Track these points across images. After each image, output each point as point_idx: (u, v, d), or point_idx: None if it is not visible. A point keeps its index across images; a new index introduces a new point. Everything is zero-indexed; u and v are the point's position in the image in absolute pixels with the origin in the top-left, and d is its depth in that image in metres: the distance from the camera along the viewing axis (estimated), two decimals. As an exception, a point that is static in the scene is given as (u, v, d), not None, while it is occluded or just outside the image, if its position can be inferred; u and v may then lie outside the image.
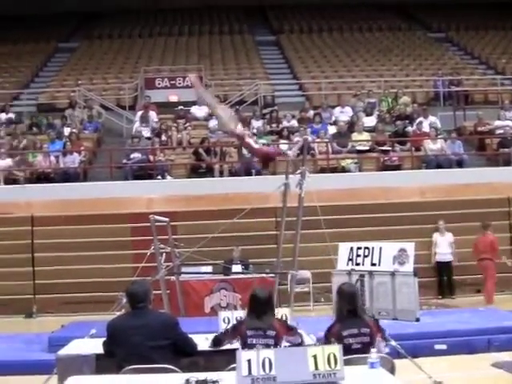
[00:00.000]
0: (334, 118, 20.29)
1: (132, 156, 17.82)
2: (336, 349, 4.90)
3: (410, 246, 12.19)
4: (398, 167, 17.77)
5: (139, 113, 20.44)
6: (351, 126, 19.28)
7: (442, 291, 15.65)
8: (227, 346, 6.31)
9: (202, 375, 5.21)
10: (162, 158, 17.95)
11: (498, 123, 19.59)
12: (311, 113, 20.45)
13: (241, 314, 7.14)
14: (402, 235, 14.49)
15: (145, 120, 20.04)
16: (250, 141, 10.17)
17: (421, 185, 16.55)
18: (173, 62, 25.85)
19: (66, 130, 19.27)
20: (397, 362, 6.27)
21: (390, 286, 12.02)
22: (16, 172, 17.36)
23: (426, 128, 19.11)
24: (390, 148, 18.43)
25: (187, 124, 19.99)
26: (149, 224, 11.54)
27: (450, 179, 16.62)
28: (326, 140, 18.64)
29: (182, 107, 20.90)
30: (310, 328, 8.42)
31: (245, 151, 17.61)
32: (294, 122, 19.88)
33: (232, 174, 17.67)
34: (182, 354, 5.92)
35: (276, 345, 6.02)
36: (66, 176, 17.32)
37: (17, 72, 25.32)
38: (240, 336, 6.16)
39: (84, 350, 6.86)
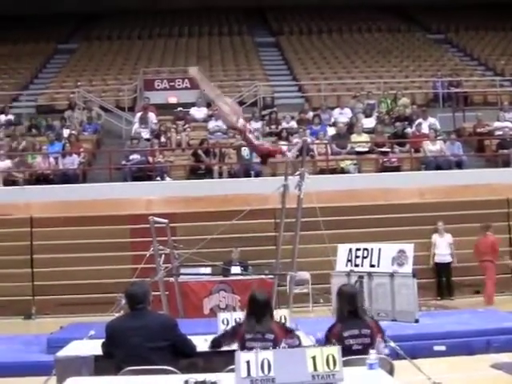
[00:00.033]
0: (333, 120, 20.30)
1: (131, 157, 17.82)
2: (335, 350, 4.89)
3: (409, 247, 12.21)
4: (397, 168, 17.77)
5: (138, 114, 20.45)
6: (350, 127, 19.29)
7: (441, 292, 15.65)
8: (226, 348, 6.31)
9: (200, 376, 5.20)
10: (161, 160, 17.95)
11: (497, 124, 19.62)
12: (310, 114, 20.46)
13: (240, 315, 7.12)
14: (401, 236, 14.52)
15: (144, 121, 20.04)
16: (251, 136, 10.17)
17: (420, 186, 16.55)
18: (172, 63, 25.85)
19: (66, 132, 19.27)
20: (396, 363, 6.27)
21: (389, 287, 12.04)
22: (15, 173, 17.36)
23: (425, 129, 19.12)
24: (389, 149, 18.43)
25: (186, 125, 19.98)
26: (148, 225, 11.55)
27: (450, 180, 16.64)
28: (326, 141, 18.65)
29: (181, 108, 20.91)
30: (309, 329, 8.43)
31: (244, 153, 17.68)
32: (294, 124, 19.88)
33: (231, 175, 17.67)
34: (180, 355, 5.92)
35: (275, 348, 6.01)
36: (66, 177, 17.31)
37: (16, 73, 25.33)
38: (238, 339, 6.15)
39: (83, 352, 6.85)
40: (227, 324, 7.20)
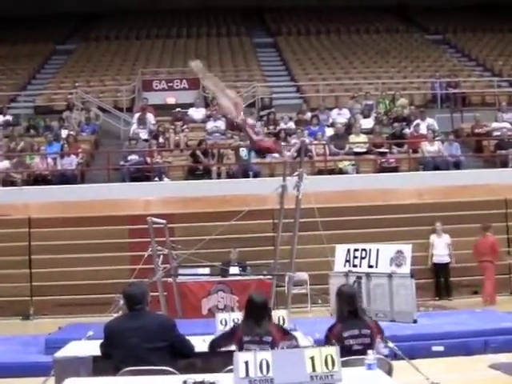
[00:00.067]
0: (331, 120, 20.30)
1: (129, 158, 17.82)
2: (333, 350, 4.90)
3: (407, 248, 12.21)
4: (395, 169, 17.77)
5: (137, 115, 20.44)
6: (348, 127, 19.29)
7: (439, 293, 15.67)
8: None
9: (199, 377, 5.20)
10: (160, 160, 17.94)
11: (495, 125, 19.63)
12: (308, 115, 20.47)
13: (238, 315, 7.12)
14: (399, 237, 14.54)
15: (142, 122, 20.04)
16: (250, 131, 10.17)
17: (418, 187, 16.56)
18: (170, 64, 25.83)
19: (64, 132, 19.26)
20: (394, 363, 6.27)
21: (387, 288, 12.04)
22: (13, 174, 17.34)
23: (423, 130, 19.14)
24: (387, 150, 18.45)
25: (184, 126, 19.99)
26: (146, 226, 11.54)
27: (448, 181, 16.65)
28: (324, 142, 18.66)
29: (179, 109, 20.93)
30: (308, 329, 8.45)
31: (242, 153, 17.69)
32: (292, 124, 19.89)
33: (229, 175, 17.67)
34: (179, 355, 5.92)
35: None
36: (64, 178, 17.30)
37: (14, 74, 25.32)
38: (236, 342, 6.13)
39: (81, 352, 6.85)
40: (225, 324, 7.20)
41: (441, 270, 15.66)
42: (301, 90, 23.88)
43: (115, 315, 7.63)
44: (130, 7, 30.98)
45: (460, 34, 29.92)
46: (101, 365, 6.21)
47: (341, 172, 17.63)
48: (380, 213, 15.64)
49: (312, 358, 4.82)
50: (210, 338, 6.70)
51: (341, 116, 20.44)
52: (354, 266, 12.48)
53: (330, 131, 19.42)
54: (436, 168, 17.58)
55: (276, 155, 16.47)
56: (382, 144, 18.70)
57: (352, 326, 6.25)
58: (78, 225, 15.40)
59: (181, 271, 13.22)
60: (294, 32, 30.02)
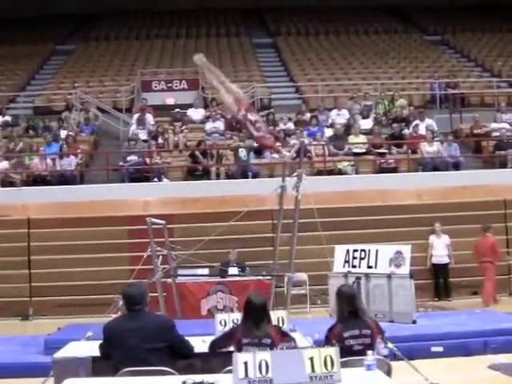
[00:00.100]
0: (330, 121, 20.30)
1: (128, 158, 17.81)
2: (332, 351, 4.90)
3: (406, 249, 12.21)
4: (394, 170, 17.77)
5: (136, 115, 20.44)
6: (348, 128, 19.29)
7: (439, 293, 15.66)
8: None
9: (198, 377, 5.21)
10: (159, 161, 17.93)
11: (494, 126, 19.63)
12: (308, 115, 20.47)
13: (237, 316, 7.11)
14: (399, 237, 14.54)
15: (141, 123, 20.04)
16: (251, 128, 10.16)
17: (417, 187, 16.56)
18: (170, 64, 25.83)
19: (63, 133, 19.25)
20: (393, 364, 6.27)
21: (386, 289, 12.05)
22: (12, 175, 17.32)
23: (422, 130, 19.15)
24: (386, 150, 18.45)
25: (184, 127, 19.99)
26: (145, 226, 11.54)
27: (447, 181, 16.65)
28: (323, 142, 18.66)
29: (178, 110, 20.94)
30: (307, 330, 8.45)
31: (241, 154, 17.69)
32: (291, 125, 19.89)
33: (228, 176, 17.67)
34: (178, 356, 5.92)
35: None
36: (63, 178, 17.30)
37: (13, 75, 25.31)
38: (235, 344, 6.12)
39: (80, 353, 6.86)
40: (225, 325, 7.19)
41: (440, 270, 15.65)
42: (300, 90, 23.89)
43: (114, 316, 7.63)
44: (130, 8, 31.00)
45: (459, 35, 29.92)
46: (100, 365, 6.21)
47: (340, 173, 17.63)
48: (379, 213, 15.64)
49: (311, 359, 4.82)
50: (210, 338, 6.70)
51: (340, 117, 20.45)
52: (354, 266, 12.48)
53: (329, 132, 19.43)
54: (435, 169, 17.58)
55: (276, 155, 16.49)
56: (381, 145, 18.71)
57: (352, 327, 6.25)
58: (78, 225, 15.39)
59: (180, 272, 13.23)
60: (294, 32, 30.02)
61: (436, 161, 17.84)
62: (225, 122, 19.85)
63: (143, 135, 19.52)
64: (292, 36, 29.71)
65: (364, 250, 12.49)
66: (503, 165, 17.91)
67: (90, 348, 6.78)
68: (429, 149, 18.09)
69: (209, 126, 19.94)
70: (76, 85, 23.06)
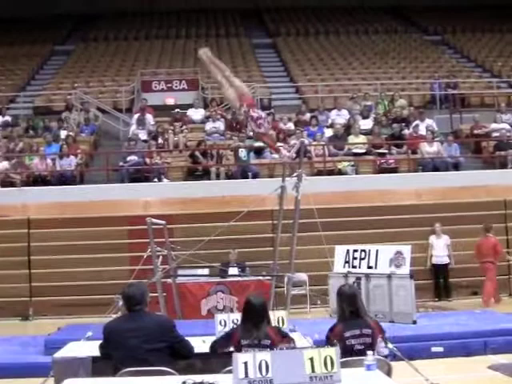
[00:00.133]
0: (330, 121, 20.29)
1: (128, 159, 17.80)
2: (332, 351, 4.89)
3: (406, 249, 12.22)
4: (394, 170, 17.76)
5: (136, 115, 20.43)
6: (348, 128, 19.28)
7: (439, 293, 15.67)
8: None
9: (198, 377, 5.20)
10: (159, 161, 17.91)
11: (494, 126, 19.62)
12: (308, 115, 20.46)
13: (237, 316, 7.10)
14: (399, 238, 14.56)
15: (141, 123, 20.03)
16: (253, 124, 10.15)
17: (417, 187, 16.55)
18: (169, 64, 25.84)
19: (63, 133, 19.24)
20: (393, 364, 6.26)
21: (386, 289, 12.04)
22: (12, 175, 17.31)
23: (422, 131, 19.15)
24: (386, 151, 18.44)
25: (184, 127, 19.97)
26: (145, 227, 11.53)
27: (447, 182, 16.64)
28: (323, 143, 18.65)
29: (178, 110, 20.91)
30: (307, 330, 8.46)
31: (241, 154, 17.69)
32: (291, 125, 19.87)
33: (228, 176, 17.66)
34: (178, 356, 5.91)
35: None
36: (63, 179, 17.29)
37: (13, 75, 25.31)
38: (234, 345, 6.11)
39: (80, 353, 6.86)
40: (225, 325, 7.19)
41: (440, 270, 15.66)
42: (300, 90, 23.88)
43: (114, 316, 7.63)
44: (129, 8, 30.99)
45: (459, 35, 29.93)
46: (100, 365, 6.21)
47: (340, 173, 17.62)
48: (379, 214, 15.65)
49: (311, 359, 4.81)
50: (210, 338, 6.70)
51: (340, 117, 20.44)
52: (354, 266, 12.48)
53: (329, 132, 19.42)
54: (435, 169, 17.57)
55: (276, 155, 16.48)
56: (381, 145, 18.70)
57: (353, 326, 6.25)
58: (78, 225, 15.40)
59: (180, 272, 13.24)
60: (293, 33, 30.00)
61: (436, 161, 17.82)
62: (225, 122, 19.84)
63: (143, 135, 19.51)
64: (291, 36, 29.69)
65: (364, 251, 12.48)
66: (503, 165, 17.90)
67: (90, 348, 6.78)
68: (429, 149, 18.09)
69: (209, 126, 19.93)
70: (76, 85, 23.05)
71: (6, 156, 17.99)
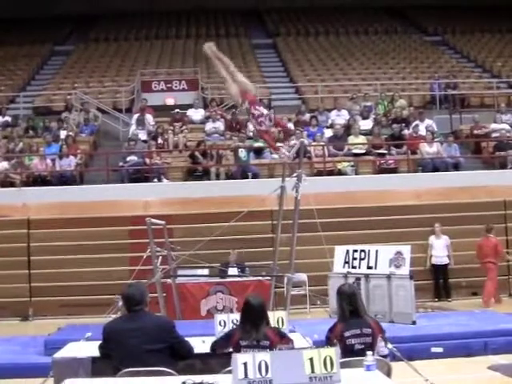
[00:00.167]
0: (330, 121, 20.29)
1: (128, 159, 17.80)
2: (332, 351, 4.89)
3: (406, 249, 12.22)
4: (394, 170, 17.77)
5: (135, 116, 20.44)
6: (347, 129, 19.28)
7: (439, 294, 15.67)
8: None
9: (198, 378, 5.20)
10: (159, 161, 17.91)
11: (494, 126, 19.62)
12: (307, 116, 20.46)
13: (237, 316, 7.10)
14: (398, 238, 14.55)
15: (141, 123, 20.04)
16: (253, 121, 10.16)
17: (417, 188, 16.55)
18: (169, 64, 25.84)
19: (63, 133, 19.24)
20: (393, 364, 6.25)
21: (386, 289, 12.05)
22: (12, 175, 17.32)
23: (422, 131, 19.15)
24: (386, 151, 18.44)
25: (183, 127, 19.97)
26: (145, 227, 11.53)
27: (446, 182, 16.65)
28: (323, 143, 18.64)
29: (178, 110, 20.91)
30: (307, 331, 8.46)
31: (241, 154, 17.69)
32: (291, 125, 19.85)
33: (228, 177, 17.66)
34: (178, 356, 5.91)
35: None
36: (63, 179, 17.29)
37: (13, 75, 25.31)
38: (233, 346, 6.10)
39: (80, 353, 6.86)
40: (224, 326, 7.19)
41: (440, 271, 15.66)
42: (299, 91, 23.89)
43: (114, 316, 7.63)
44: (127, 9, 30.97)
45: (459, 35, 29.93)
46: (100, 366, 6.21)
47: (340, 173, 17.63)
48: (379, 214, 15.65)
49: (311, 360, 4.82)
50: (209, 339, 6.70)
51: (340, 117, 20.44)
52: (353, 267, 12.48)
53: (328, 132, 19.42)
54: (435, 169, 17.57)
55: (276, 156, 16.48)
56: (381, 145, 18.70)
57: (353, 326, 6.24)
58: (77, 226, 15.40)
59: (180, 272, 13.23)
60: (293, 33, 30.02)
61: (436, 161, 17.82)
62: (224, 122, 19.84)
63: (143, 135, 19.52)
64: (291, 36, 29.70)
65: (364, 251, 12.49)
66: (503, 165, 17.90)
67: (89, 348, 6.79)
68: (429, 149, 18.09)
69: (209, 126, 19.93)
70: (76, 85, 23.08)
71: (6, 156, 17.99)
